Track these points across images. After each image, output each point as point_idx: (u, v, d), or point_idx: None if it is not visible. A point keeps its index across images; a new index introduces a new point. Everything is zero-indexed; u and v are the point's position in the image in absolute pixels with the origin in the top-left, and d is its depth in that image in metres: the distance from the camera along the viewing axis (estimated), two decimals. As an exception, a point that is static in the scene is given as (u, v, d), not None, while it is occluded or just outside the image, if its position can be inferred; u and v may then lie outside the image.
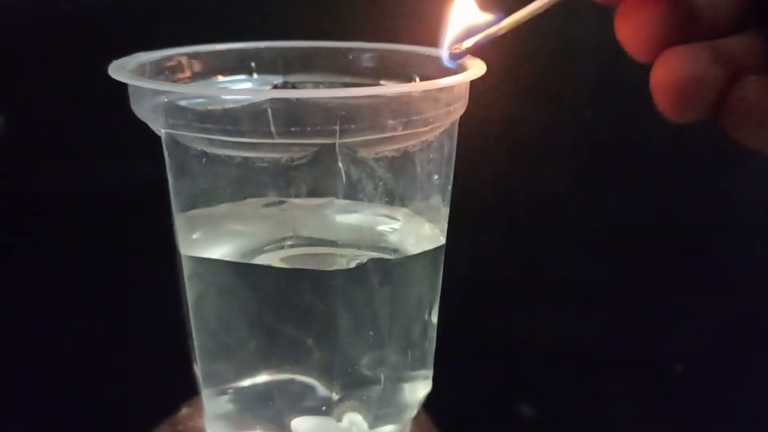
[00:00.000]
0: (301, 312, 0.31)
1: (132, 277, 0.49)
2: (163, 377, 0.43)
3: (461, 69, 0.30)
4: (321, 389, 0.32)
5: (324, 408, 0.32)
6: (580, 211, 0.51)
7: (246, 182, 0.30)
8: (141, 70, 0.32)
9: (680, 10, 0.25)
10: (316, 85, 0.35)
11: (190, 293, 0.32)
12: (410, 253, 0.32)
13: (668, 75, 0.25)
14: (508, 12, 0.28)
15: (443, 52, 0.30)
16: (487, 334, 0.52)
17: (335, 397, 0.31)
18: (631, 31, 0.26)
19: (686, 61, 0.25)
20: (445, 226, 0.33)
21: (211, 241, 0.32)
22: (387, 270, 0.31)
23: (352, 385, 0.32)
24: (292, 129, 0.27)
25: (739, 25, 0.26)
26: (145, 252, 0.46)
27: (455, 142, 0.32)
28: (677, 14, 0.25)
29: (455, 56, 0.30)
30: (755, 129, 0.25)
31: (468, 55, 0.30)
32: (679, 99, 0.25)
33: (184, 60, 0.34)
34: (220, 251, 0.32)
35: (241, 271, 0.31)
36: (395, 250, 0.32)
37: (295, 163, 0.29)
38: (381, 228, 0.32)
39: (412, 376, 0.34)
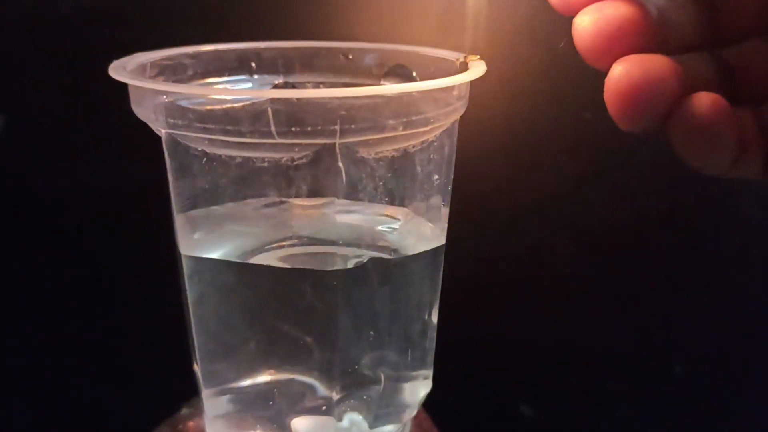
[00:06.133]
0: (301, 312, 0.31)
1: (132, 277, 0.49)
2: (163, 377, 0.43)
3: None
4: (321, 389, 0.32)
5: (324, 408, 0.32)
6: (580, 211, 0.51)
7: (246, 182, 0.30)
8: (141, 71, 0.32)
9: (641, 17, 0.25)
10: (317, 85, 0.35)
11: (190, 293, 0.32)
12: (410, 253, 0.32)
13: (624, 80, 0.24)
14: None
15: None
16: (487, 334, 0.52)
17: (335, 396, 0.31)
18: (590, 34, 0.25)
19: (644, 68, 0.24)
20: (445, 226, 0.33)
21: (211, 241, 0.32)
22: (387, 270, 0.31)
23: (353, 384, 0.32)
24: (293, 129, 0.27)
25: (693, 44, 0.26)
26: (145, 252, 0.46)
27: (455, 142, 0.32)
28: (638, 20, 0.25)
29: None
30: (700, 147, 0.25)
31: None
32: (633, 105, 0.24)
33: (184, 60, 0.34)
34: (221, 251, 0.32)
35: (241, 271, 0.31)
36: (395, 250, 0.32)
37: (296, 163, 0.29)
38: (381, 228, 0.32)
39: (412, 376, 0.34)
